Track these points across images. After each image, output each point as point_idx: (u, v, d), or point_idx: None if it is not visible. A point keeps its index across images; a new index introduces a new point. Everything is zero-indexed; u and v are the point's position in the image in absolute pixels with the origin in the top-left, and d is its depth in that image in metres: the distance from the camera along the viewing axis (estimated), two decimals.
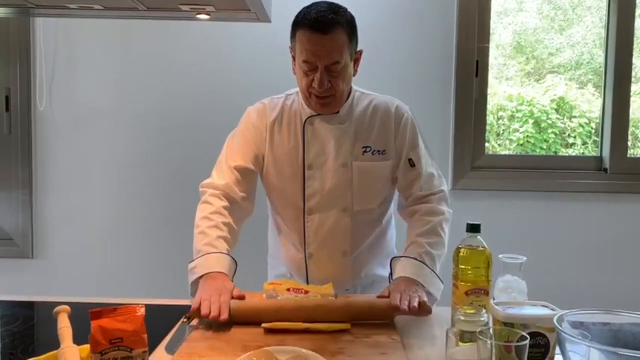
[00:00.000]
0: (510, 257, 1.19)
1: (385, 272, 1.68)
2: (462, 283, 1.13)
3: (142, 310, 0.89)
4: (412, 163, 1.54)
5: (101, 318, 0.86)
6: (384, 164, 1.55)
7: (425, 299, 1.29)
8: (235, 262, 1.44)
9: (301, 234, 1.58)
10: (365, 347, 1.12)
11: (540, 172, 2.42)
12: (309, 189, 1.54)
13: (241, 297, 1.28)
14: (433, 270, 1.41)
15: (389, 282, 1.47)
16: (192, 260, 1.39)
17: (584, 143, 2.73)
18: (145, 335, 0.88)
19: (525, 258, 1.19)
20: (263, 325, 1.20)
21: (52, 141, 2.45)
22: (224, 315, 1.19)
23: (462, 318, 1.05)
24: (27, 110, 2.43)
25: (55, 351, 0.94)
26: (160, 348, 1.17)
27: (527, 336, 0.93)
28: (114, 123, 2.44)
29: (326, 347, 1.12)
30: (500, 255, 1.19)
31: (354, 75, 1.51)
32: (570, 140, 2.75)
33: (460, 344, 1.07)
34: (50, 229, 2.48)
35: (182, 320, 1.29)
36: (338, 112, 1.54)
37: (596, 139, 2.65)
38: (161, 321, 1.30)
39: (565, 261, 2.41)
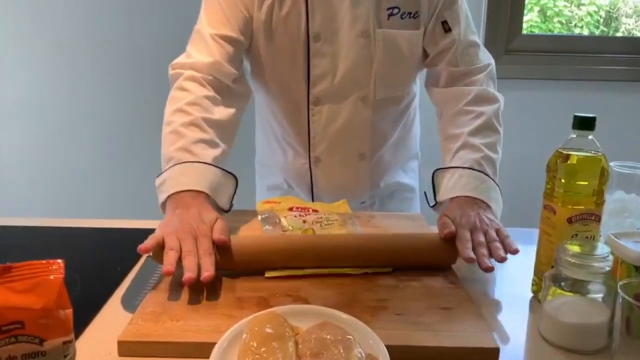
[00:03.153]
0: (626, 167, 0.81)
1: (407, 178, 1.32)
2: (564, 206, 0.75)
3: (61, 268, 0.50)
4: (446, 27, 1.11)
5: None
6: (417, 33, 1.12)
7: (503, 228, 0.89)
8: (235, 178, 1.01)
9: (304, 132, 1.18)
10: (417, 298, 0.76)
11: (589, 57, 1.99)
12: (315, 70, 1.11)
13: (223, 243, 0.82)
14: (495, 183, 1.01)
15: (427, 200, 1.09)
16: (160, 174, 0.97)
17: (591, 33, 2.46)
18: (69, 312, 0.50)
19: None
20: (267, 274, 0.83)
21: None
22: (208, 273, 0.75)
23: (572, 260, 0.69)
24: None
25: None
26: (117, 298, 0.80)
27: None
28: None
29: (359, 299, 0.76)
30: (612, 164, 0.81)
31: None
32: (577, 31, 2.48)
33: (559, 292, 0.72)
34: None
35: (150, 253, 0.92)
36: None
37: (604, 29, 2.34)
38: (123, 253, 0.92)
39: None
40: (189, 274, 0.74)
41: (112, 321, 0.73)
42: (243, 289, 0.78)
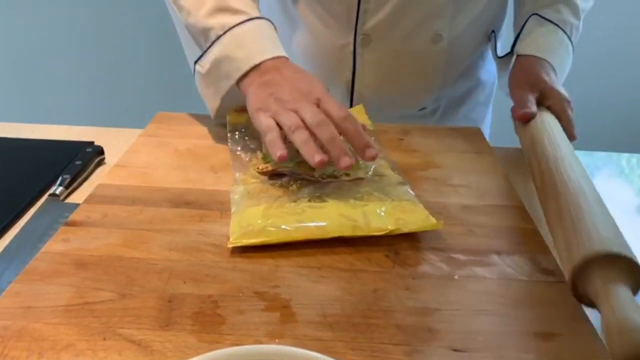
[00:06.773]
0: None
1: (485, 72, 0.89)
2: None
3: None
4: None
5: None
6: None
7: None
8: (273, 23, 0.69)
9: None
10: (489, 309, 0.41)
11: None
12: None
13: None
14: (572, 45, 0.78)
15: (494, 50, 0.83)
16: (200, 57, 0.64)
17: None
18: None
19: None
20: (231, 242, 0.47)
21: None
22: (372, 153, 0.53)
23: None
24: None
25: None
26: None
27: None
28: None
29: (386, 308, 0.41)
30: None
31: None
32: None
33: None
34: None
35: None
36: None
37: None
38: (22, 181, 0.62)
39: None
40: (345, 158, 0.52)
41: None
42: (178, 274, 0.45)
